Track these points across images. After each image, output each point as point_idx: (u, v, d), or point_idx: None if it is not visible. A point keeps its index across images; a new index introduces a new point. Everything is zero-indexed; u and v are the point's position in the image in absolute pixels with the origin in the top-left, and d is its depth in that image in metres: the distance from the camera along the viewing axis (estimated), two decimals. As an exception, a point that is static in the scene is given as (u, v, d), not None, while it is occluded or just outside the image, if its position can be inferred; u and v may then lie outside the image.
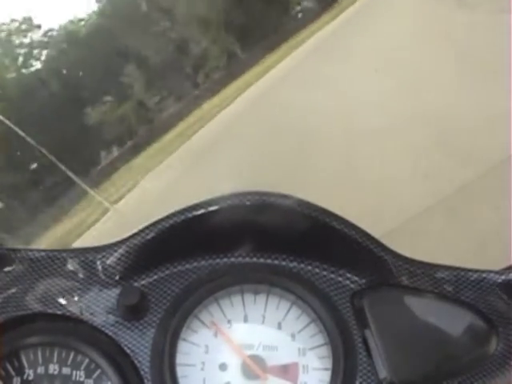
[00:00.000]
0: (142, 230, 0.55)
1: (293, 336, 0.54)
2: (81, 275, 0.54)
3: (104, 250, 0.54)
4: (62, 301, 0.53)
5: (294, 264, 0.56)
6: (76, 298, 0.53)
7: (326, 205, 0.56)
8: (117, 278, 0.54)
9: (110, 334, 0.52)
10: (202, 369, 0.52)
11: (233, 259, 0.56)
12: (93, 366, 0.51)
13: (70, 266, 0.54)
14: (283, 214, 0.55)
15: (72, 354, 0.51)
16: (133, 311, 0.52)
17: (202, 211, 0.54)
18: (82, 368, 0.51)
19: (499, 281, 0.55)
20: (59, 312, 0.53)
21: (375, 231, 0.56)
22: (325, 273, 0.56)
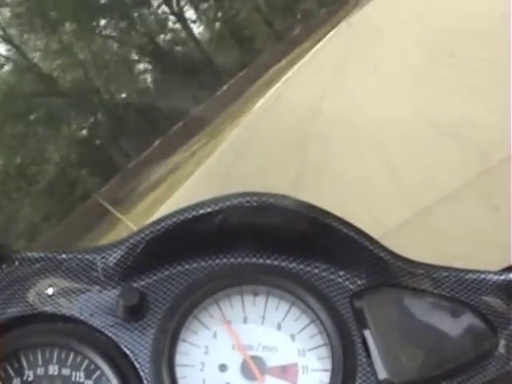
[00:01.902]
0: (141, 231, 0.55)
1: (292, 337, 0.54)
2: (80, 276, 0.54)
3: (103, 251, 0.54)
4: (62, 302, 0.53)
5: (294, 265, 0.56)
6: (76, 299, 0.53)
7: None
8: (116, 278, 0.54)
9: (110, 334, 0.52)
10: (202, 369, 0.52)
11: (232, 260, 0.56)
12: (92, 366, 0.51)
13: (69, 267, 0.54)
14: (282, 215, 0.55)
15: (72, 355, 0.51)
16: (132, 312, 0.52)
17: (201, 212, 0.54)
18: (82, 369, 0.51)
19: (498, 281, 0.55)
20: (59, 313, 0.53)
21: (375, 232, 0.56)
22: (324, 274, 0.56)
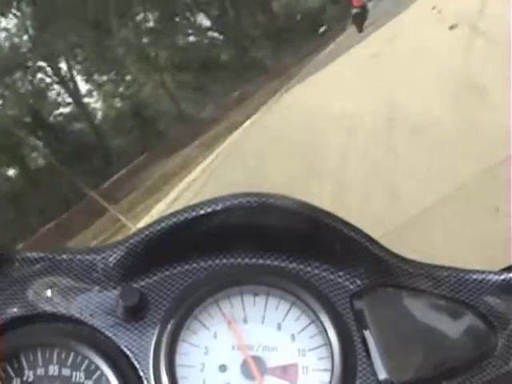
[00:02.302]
0: (141, 231, 0.55)
1: (292, 337, 0.54)
2: (81, 276, 0.54)
3: (103, 252, 0.54)
4: (62, 302, 0.53)
5: (294, 265, 0.56)
6: (76, 299, 0.53)
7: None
8: (116, 279, 0.54)
9: (110, 335, 0.52)
10: (202, 370, 0.52)
11: (232, 260, 0.56)
12: (92, 367, 0.51)
13: (69, 268, 0.54)
14: (282, 215, 0.55)
15: (72, 355, 0.51)
16: (132, 312, 0.52)
17: (201, 212, 0.54)
18: (82, 369, 0.51)
19: (498, 281, 0.55)
20: (59, 313, 0.53)
21: (375, 232, 0.56)
22: (324, 274, 0.56)
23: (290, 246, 0.56)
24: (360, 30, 10.54)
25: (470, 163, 1.96)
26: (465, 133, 2.27)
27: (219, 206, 0.54)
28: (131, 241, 0.54)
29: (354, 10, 10.84)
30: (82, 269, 0.54)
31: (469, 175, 1.90)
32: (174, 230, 0.54)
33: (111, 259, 0.54)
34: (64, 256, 0.55)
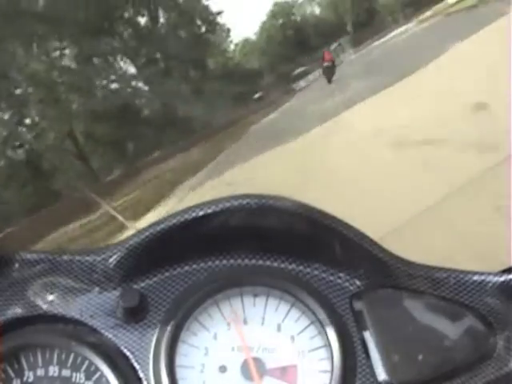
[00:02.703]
0: (141, 232, 0.55)
1: (292, 338, 0.54)
2: (81, 278, 0.54)
3: (103, 253, 0.54)
4: (62, 303, 0.53)
5: (293, 266, 0.56)
6: (76, 300, 0.53)
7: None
8: (116, 280, 0.54)
9: (110, 336, 0.52)
10: (202, 371, 0.52)
11: (232, 261, 0.56)
12: (93, 368, 0.51)
13: (69, 269, 0.54)
14: (282, 217, 0.55)
15: (72, 356, 0.51)
16: (132, 313, 0.53)
17: (201, 213, 0.54)
18: (82, 370, 0.51)
19: (498, 283, 0.55)
20: (59, 314, 0.53)
21: (374, 233, 0.56)
22: (324, 275, 0.56)
23: (289, 248, 0.56)
24: (329, 81, 11.90)
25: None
26: None
27: (219, 208, 0.54)
28: (131, 242, 0.54)
29: (325, 64, 12.31)
30: (81, 270, 0.54)
31: (470, 174, 1.90)
32: (174, 232, 0.54)
33: (111, 260, 0.54)
34: (64, 257, 0.55)
